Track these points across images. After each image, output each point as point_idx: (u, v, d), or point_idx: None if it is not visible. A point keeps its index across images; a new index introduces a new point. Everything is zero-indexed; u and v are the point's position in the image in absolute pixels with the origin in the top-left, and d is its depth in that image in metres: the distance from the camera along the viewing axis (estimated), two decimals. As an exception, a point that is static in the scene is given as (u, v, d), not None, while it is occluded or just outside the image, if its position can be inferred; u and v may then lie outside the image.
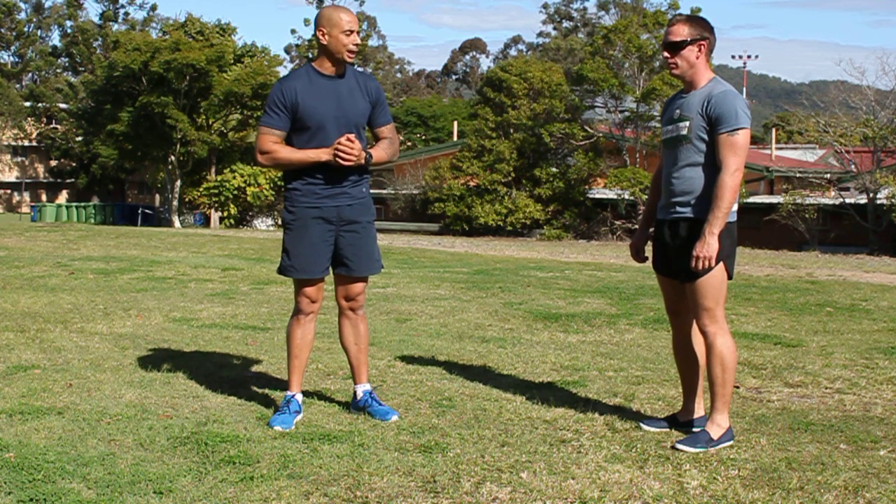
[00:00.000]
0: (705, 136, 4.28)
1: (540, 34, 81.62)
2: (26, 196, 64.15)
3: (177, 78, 38.79)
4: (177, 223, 41.21)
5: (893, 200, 26.42)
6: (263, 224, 40.61)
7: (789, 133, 48.04)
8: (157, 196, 53.68)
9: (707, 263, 4.19)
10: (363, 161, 4.57)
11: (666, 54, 4.41)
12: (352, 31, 4.55)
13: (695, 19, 4.42)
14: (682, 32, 4.34)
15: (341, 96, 4.59)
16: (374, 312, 8.45)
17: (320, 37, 4.61)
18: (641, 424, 4.56)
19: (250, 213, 41.04)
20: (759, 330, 7.92)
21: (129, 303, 9.04)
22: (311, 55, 44.76)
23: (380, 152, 4.71)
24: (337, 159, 4.50)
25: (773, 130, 46.72)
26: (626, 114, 32.29)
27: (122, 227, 34.69)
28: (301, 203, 4.61)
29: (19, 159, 66.90)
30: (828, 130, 30.17)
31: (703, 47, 4.35)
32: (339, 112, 4.57)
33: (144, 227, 37.17)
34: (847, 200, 28.59)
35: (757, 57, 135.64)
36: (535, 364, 6.18)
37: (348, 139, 4.50)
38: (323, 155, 4.52)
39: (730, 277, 4.35)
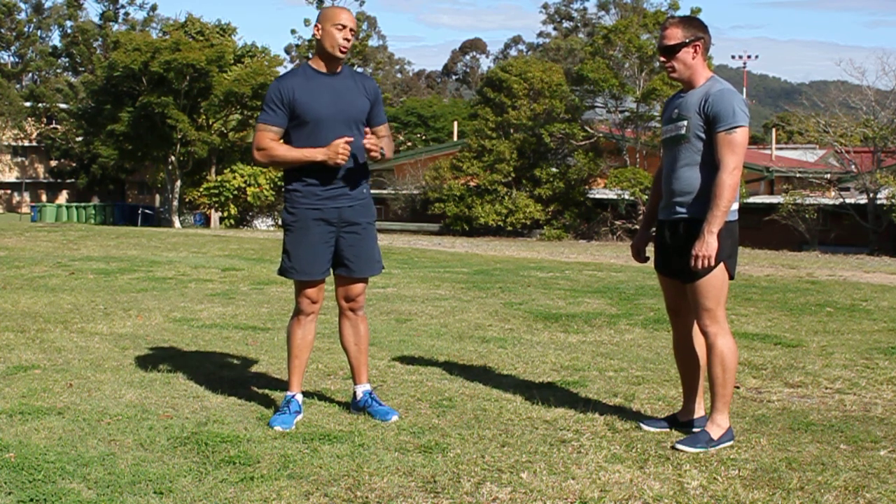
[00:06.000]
0: (703, 135, 4.27)
1: (540, 34, 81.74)
2: (26, 196, 64.17)
3: (177, 78, 38.79)
4: (177, 223, 41.22)
5: (893, 200, 26.40)
6: (263, 224, 40.60)
7: (789, 133, 48.05)
8: (157, 196, 53.69)
9: (706, 262, 4.19)
10: (380, 156, 4.59)
11: (662, 58, 4.40)
12: (344, 27, 4.54)
13: (688, 20, 4.41)
14: (676, 35, 4.34)
15: (338, 93, 4.59)
16: (374, 312, 8.45)
17: (315, 32, 4.63)
18: (641, 424, 4.55)
19: (250, 214, 41.03)
20: (760, 330, 7.92)
21: (129, 303, 9.04)
22: (310, 55, 44.75)
23: (387, 150, 4.74)
24: (330, 161, 4.50)
25: (773, 130, 46.73)
26: (627, 114, 32.26)
27: (122, 227, 34.70)
28: (302, 204, 4.61)
29: (19, 159, 66.91)
30: (828, 130, 30.15)
31: (698, 48, 4.34)
32: (336, 108, 4.57)
33: (144, 227, 37.17)
34: (847, 200, 28.57)
35: (757, 57, 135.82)
36: (535, 364, 6.18)
37: (346, 142, 4.51)
38: (318, 155, 4.52)
39: (731, 277, 4.35)
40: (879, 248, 26.10)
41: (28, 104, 62.17)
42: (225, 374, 5.69)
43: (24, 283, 10.72)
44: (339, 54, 4.58)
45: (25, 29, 70.24)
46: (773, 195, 32.01)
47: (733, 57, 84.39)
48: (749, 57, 71.78)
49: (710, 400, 4.37)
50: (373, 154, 4.57)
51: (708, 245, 4.17)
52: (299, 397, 4.70)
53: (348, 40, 4.57)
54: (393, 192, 37.57)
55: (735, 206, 4.30)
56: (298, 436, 4.30)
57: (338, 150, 4.49)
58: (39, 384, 5.25)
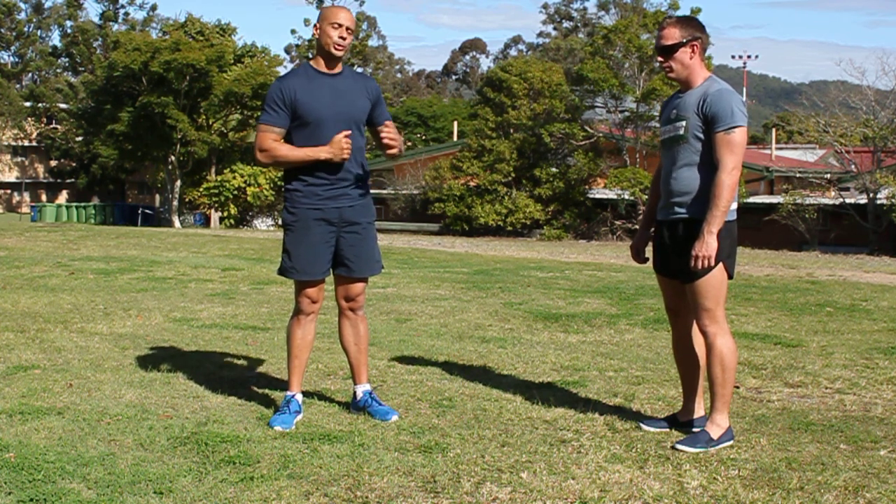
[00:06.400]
0: (702, 136, 4.27)
1: (540, 34, 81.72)
2: (26, 196, 64.15)
3: (177, 78, 38.79)
4: (177, 223, 41.21)
5: (893, 200, 26.39)
6: (263, 224, 40.60)
7: (789, 133, 48.02)
8: (157, 196, 53.69)
9: (706, 263, 4.19)
10: (399, 152, 4.71)
11: (660, 59, 4.40)
12: (340, 25, 4.55)
13: (685, 20, 4.41)
14: (673, 35, 4.34)
15: (339, 93, 4.60)
16: (374, 312, 8.45)
17: (314, 32, 4.67)
18: (641, 424, 4.55)
19: (250, 214, 41.03)
20: (760, 330, 7.92)
21: (129, 303, 9.04)
22: (311, 55, 44.78)
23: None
24: (335, 157, 4.51)
25: (773, 130, 46.70)
26: (626, 114, 32.26)
27: (122, 227, 34.70)
28: (302, 204, 4.61)
29: (19, 159, 66.90)
30: (828, 130, 30.14)
31: (696, 48, 4.34)
32: (337, 108, 4.58)
33: (144, 227, 37.17)
34: (847, 200, 28.57)
35: (757, 57, 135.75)
36: (535, 364, 6.18)
37: (346, 136, 4.52)
38: (322, 153, 4.52)
39: (730, 277, 4.35)
40: (879, 248, 26.10)
41: (28, 104, 62.14)
42: (225, 374, 5.69)
43: (24, 283, 10.72)
44: (334, 52, 4.58)
45: (25, 29, 70.21)
46: (773, 195, 32.01)
47: (733, 57, 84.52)
48: (749, 57, 71.74)
49: (710, 400, 4.37)
50: (391, 151, 4.64)
51: (707, 245, 4.17)
52: (299, 397, 4.70)
53: (343, 38, 4.56)
54: (393, 192, 37.55)
55: (734, 206, 4.30)
56: (298, 436, 4.30)
57: (341, 146, 4.50)
58: (39, 384, 5.25)
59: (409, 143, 52.77)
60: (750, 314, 8.91)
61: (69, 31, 66.62)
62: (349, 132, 4.55)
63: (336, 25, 4.55)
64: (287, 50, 59.36)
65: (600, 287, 11.24)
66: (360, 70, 5.01)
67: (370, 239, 4.75)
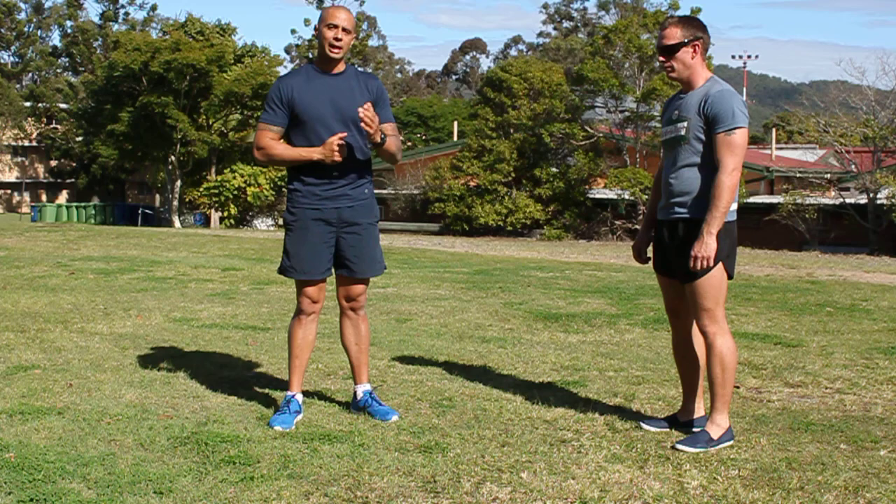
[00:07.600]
0: (703, 137, 4.27)
1: (540, 34, 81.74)
2: (26, 196, 64.18)
3: (177, 78, 38.78)
4: (177, 223, 41.21)
5: (893, 200, 26.40)
6: (263, 224, 40.61)
7: (789, 133, 48.04)
8: (158, 196, 53.68)
9: (705, 263, 4.19)
10: (379, 139, 4.52)
11: (661, 58, 4.40)
12: (335, 26, 4.54)
13: (687, 20, 4.41)
14: (675, 35, 4.34)
15: (338, 93, 4.59)
16: (374, 312, 8.45)
17: (314, 33, 4.65)
18: (642, 424, 4.56)
19: (250, 214, 41.03)
20: (760, 330, 7.92)
21: (129, 303, 9.04)
22: (311, 55, 44.82)
23: (391, 140, 4.68)
24: (327, 159, 4.50)
25: (773, 130, 46.69)
26: (627, 114, 32.27)
27: (122, 227, 34.68)
28: (302, 204, 4.62)
29: (19, 159, 66.92)
30: (828, 130, 30.15)
31: (697, 48, 4.34)
32: (335, 108, 4.57)
33: (144, 227, 37.16)
34: (847, 200, 28.57)
35: (757, 57, 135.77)
36: (535, 364, 6.18)
37: (340, 138, 4.50)
38: (314, 154, 4.52)
39: (730, 277, 4.35)
40: (879, 248, 26.10)
41: (28, 104, 62.14)
42: (225, 374, 5.69)
43: (24, 283, 10.72)
44: (330, 53, 4.56)
45: (25, 29, 70.23)
46: (773, 195, 32.01)
47: (733, 57, 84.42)
48: (749, 57, 71.73)
49: (710, 400, 4.37)
50: (368, 128, 4.43)
51: (707, 246, 4.17)
52: (299, 397, 4.70)
53: (339, 39, 4.54)
54: (393, 192, 37.57)
55: (734, 206, 4.30)
56: (298, 436, 4.30)
57: (333, 148, 4.49)
58: (39, 384, 5.25)
59: (410, 143, 52.78)
60: (750, 314, 8.91)
61: (69, 31, 66.62)
62: (344, 134, 4.53)
63: (331, 26, 4.55)
64: (287, 50, 59.37)
65: (600, 287, 11.24)
66: (362, 69, 4.91)
67: (371, 239, 4.74)
